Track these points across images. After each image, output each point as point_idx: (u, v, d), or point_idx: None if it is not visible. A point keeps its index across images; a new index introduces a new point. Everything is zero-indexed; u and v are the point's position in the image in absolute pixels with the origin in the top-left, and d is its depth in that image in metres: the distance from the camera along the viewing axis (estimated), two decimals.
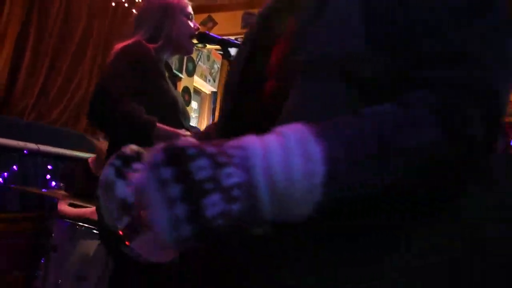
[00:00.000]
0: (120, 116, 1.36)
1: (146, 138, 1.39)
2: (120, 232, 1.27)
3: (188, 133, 1.60)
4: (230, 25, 5.43)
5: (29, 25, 3.64)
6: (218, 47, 5.74)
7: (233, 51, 1.69)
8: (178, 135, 1.47)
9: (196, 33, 1.71)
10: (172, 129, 1.47)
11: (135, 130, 1.38)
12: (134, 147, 0.78)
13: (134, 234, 1.29)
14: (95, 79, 4.41)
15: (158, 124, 1.42)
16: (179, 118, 1.64)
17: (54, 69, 3.95)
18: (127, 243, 1.28)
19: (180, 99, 1.68)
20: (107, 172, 1.31)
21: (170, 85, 1.65)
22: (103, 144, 3.24)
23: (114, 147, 1.42)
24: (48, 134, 3.68)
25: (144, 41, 1.58)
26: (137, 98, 1.41)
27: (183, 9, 1.70)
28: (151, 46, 1.58)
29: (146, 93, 1.47)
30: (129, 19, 4.66)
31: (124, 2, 4.59)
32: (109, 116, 1.37)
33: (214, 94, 7.66)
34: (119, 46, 1.54)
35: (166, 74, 1.65)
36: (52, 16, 3.84)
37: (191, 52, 1.81)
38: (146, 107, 1.42)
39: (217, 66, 7.37)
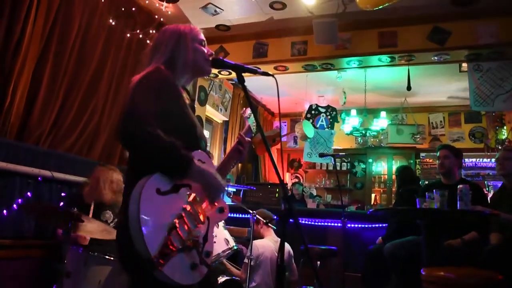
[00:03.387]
0: (164, 147, 1.39)
1: (181, 172, 1.44)
2: (154, 259, 1.27)
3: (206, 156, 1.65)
4: (241, 55, 5.54)
5: (46, 55, 3.74)
6: (230, 76, 5.84)
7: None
8: (209, 174, 1.53)
9: (210, 58, 1.77)
10: (203, 167, 1.52)
11: (173, 163, 1.42)
12: None
13: (165, 259, 1.30)
14: (109, 108, 4.49)
15: (195, 163, 1.47)
16: (198, 141, 1.67)
17: (70, 98, 4.03)
18: (160, 268, 1.28)
19: (198, 123, 1.72)
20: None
21: (189, 108, 1.69)
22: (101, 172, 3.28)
23: (139, 175, 1.41)
24: (62, 161, 3.73)
25: (162, 67, 1.64)
26: (159, 121, 1.44)
27: (195, 36, 1.75)
28: (168, 71, 1.63)
29: (167, 116, 1.50)
30: (143, 50, 4.78)
31: (139, 33, 4.71)
32: (144, 145, 1.38)
33: (225, 123, 7.74)
34: (138, 76, 1.58)
35: (185, 99, 1.71)
36: (68, 47, 3.95)
37: (209, 73, 1.86)
38: (166, 130, 1.43)
39: (228, 95, 7.47)
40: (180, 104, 1.63)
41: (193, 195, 1.49)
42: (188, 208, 1.46)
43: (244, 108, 2.04)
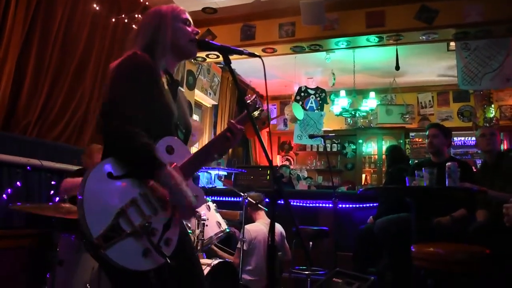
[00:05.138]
0: (135, 148, 1.39)
1: (148, 173, 1.42)
2: (95, 241, 1.27)
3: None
4: (229, 37, 5.49)
5: (30, 43, 3.68)
6: (218, 60, 5.78)
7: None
8: (177, 185, 1.43)
9: (196, 37, 1.72)
10: (176, 176, 1.44)
11: (144, 164, 1.41)
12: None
13: (109, 243, 1.29)
14: (96, 95, 4.44)
15: (167, 168, 1.42)
16: (172, 129, 1.61)
17: (56, 86, 3.98)
18: (102, 250, 1.27)
19: (177, 109, 1.66)
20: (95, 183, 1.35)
21: (167, 93, 1.63)
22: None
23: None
24: (51, 150, 3.70)
25: (139, 51, 1.59)
26: (135, 110, 1.44)
27: (177, 16, 1.70)
28: (147, 55, 1.59)
29: (140, 104, 1.47)
30: (129, 35, 4.71)
31: (124, 18, 4.64)
32: (124, 145, 1.40)
33: (215, 107, 7.71)
34: (115, 62, 1.56)
35: (165, 82, 1.66)
36: (53, 34, 3.88)
37: (193, 55, 1.79)
38: (139, 114, 1.44)
39: (217, 79, 7.43)
40: (156, 90, 1.58)
41: (152, 181, 1.44)
42: (146, 193, 1.42)
43: (250, 95, 1.92)
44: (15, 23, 3.49)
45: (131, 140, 1.39)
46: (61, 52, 4.01)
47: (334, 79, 7.42)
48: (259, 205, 3.82)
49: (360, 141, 8.94)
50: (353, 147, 9.08)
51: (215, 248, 3.72)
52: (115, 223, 1.31)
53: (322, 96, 7.57)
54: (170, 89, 1.68)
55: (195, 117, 7.05)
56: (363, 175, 8.89)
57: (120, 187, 1.38)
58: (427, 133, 3.71)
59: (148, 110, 1.51)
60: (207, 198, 3.46)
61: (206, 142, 1.69)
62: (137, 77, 1.51)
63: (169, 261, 1.40)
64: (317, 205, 5.01)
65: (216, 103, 7.58)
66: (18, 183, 3.32)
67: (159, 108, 1.58)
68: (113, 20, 4.59)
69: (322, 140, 5.19)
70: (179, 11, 1.73)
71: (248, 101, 1.76)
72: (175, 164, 1.53)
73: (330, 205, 4.63)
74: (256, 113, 1.77)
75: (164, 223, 1.45)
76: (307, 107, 7.51)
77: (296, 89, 7.74)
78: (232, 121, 1.70)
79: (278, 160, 9.59)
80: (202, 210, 3.14)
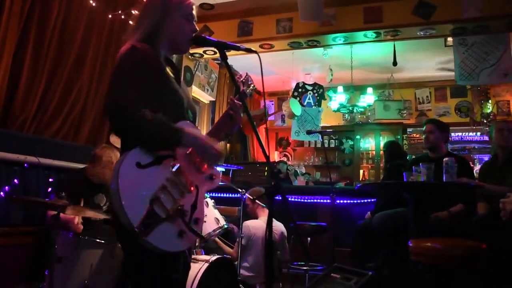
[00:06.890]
0: (148, 127, 1.44)
1: (175, 144, 1.49)
2: (136, 229, 1.31)
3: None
4: (226, 33, 5.48)
5: (26, 39, 3.65)
6: (215, 56, 5.75)
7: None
8: (202, 139, 1.56)
9: (193, 35, 1.73)
10: (198, 134, 1.56)
11: (165, 138, 1.47)
12: None
13: (148, 229, 1.34)
14: (94, 90, 4.42)
15: (186, 130, 1.51)
16: (184, 113, 1.65)
17: (53, 82, 3.95)
18: (144, 237, 1.33)
19: (184, 94, 1.70)
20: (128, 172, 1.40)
21: (173, 80, 1.66)
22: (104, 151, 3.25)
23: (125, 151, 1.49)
24: (48, 147, 3.69)
25: (138, 43, 1.60)
26: (144, 101, 1.47)
27: (183, 10, 1.71)
28: (147, 45, 1.60)
29: (151, 95, 1.52)
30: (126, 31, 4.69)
31: (121, 14, 4.62)
32: (136, 129, 1.44)
33: (212, 103, 7.69)
34: (120, 52, 1.57)
35: (169, 70, 1.68)
36: (50, 29, 3.85)
37: (185, 52, 1.85)
38: (152, 107, 1.47)
39: (214, 75, 7.41)
40: (163, 79, 1.61)
41: (177, 165, 1.51)
42: (172, 178, 1.48)
43: (241, 73, 2.03)
44: (10, 18, 3.46)
45: (146, 122, 1.43)
46: (58, 48, 3.98)
47: (332, 75, 7.42)
48: (260, 202, 3.81)
49: (358, 137, 8.94)
50: (351, 143, 9.08)
51: (217, 240, 3.73)
52: (151, 210, 1.37)
53: (320, 92, 7.57)
54: (174, 76, 1.72)
55: None
56: (361, 171, 8.90)
57: (149, 175, 1.43)
58: (424, 128, 3.72)
59: (158, 99, 1.55)
60: (205, 195, 3.46)
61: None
62: (139, 71, 1.52)
63: (203, 237, 1.50)
64: (315, 201, 5.02)
65: (214, 99, 7.56)
66: (15, 180, 3.32)
67: (171, 95, 1.63)
68: (110, 16, 4.57)
69: (320, 136, 5.21)
70: (186, 6, 1.73)
71: (241, 79, 1.92)
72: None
73: (328, 201, 4.64)
74: (248, 89, 1.93)
75: (191, 203, 1.53)
76: (305, 103, 7.51)
77: (293, 85, 7.74)
78: (232, 97, 1.83)
79: (276, 156, 9.59)
80: None
